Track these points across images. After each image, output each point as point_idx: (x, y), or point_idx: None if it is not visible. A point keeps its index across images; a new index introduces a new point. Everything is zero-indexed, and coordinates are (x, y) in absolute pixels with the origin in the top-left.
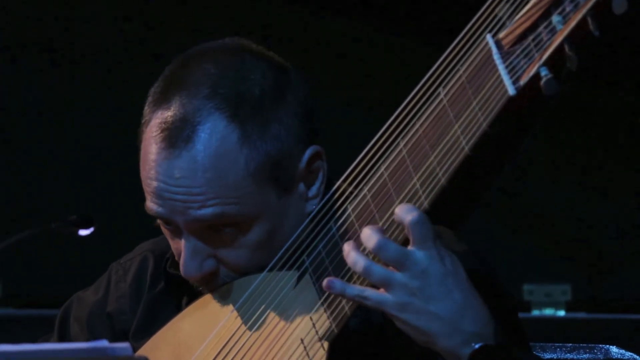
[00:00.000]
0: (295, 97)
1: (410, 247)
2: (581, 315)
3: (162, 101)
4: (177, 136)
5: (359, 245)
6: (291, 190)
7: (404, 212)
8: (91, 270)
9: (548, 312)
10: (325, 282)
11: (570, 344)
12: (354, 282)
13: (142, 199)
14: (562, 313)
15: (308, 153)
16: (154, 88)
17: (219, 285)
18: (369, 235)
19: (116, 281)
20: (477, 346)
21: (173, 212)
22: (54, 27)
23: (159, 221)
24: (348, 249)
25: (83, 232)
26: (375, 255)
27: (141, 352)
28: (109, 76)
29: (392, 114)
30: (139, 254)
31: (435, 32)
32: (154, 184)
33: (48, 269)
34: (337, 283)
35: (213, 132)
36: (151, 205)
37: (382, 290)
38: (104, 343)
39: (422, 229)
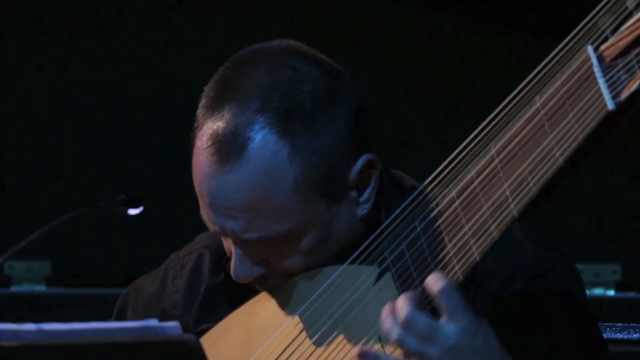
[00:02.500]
0: (346, 107)
1: (442, 320)
2: (631, 294)
3: (214, 109)
4: (227, 150)
5: (395, 313)
6: (342, 199)
7: (433, 282)
8: (140, 250)
9: (597, 291)
10: (358, 353)
11: (620, 324)
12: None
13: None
14: (611, 293)
15: (360, 163)
16: (207, 91)
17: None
18: (401, 307)
19: (173, 276)
20: None
21: (223, 228)
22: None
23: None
24: (385, 314)
25: (132, 212)
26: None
27: (213, 331)
28: (157, 58)
29: (479, 117)
30: (195, 250)
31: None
32: (206, 197)
33: (97, 249)
34: (370, 355)
35: (263, 148)
36: (207, 220)
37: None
38: (153, 322)
39: (451, 299)
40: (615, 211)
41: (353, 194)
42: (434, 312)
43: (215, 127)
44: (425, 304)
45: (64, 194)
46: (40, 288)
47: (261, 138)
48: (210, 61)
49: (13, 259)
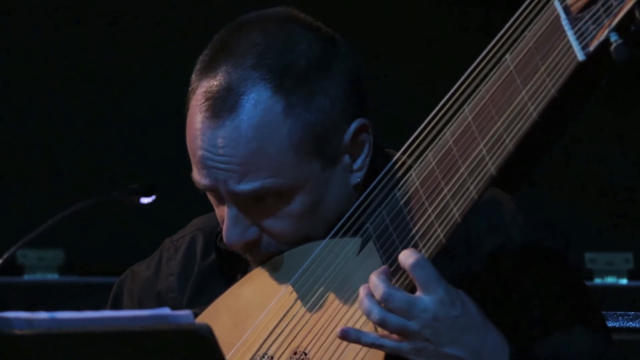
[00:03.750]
0: (341, 69)
1: (417, 293)
2: None
3: (208, 70)
4: (221, 106)
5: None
6: (335, 163)
7: (405, 257)
8: (152, 238)
9: (610, 280)
10: (339, 332)
11: (633, 312)
12: None
13: None
14: (624, 281)
15: (354, 126)
16: (202, 56)
17: (265, 254)
18: (376, 285)
19: (167, 259)
20: None
21: (216, 181)
22: None
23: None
24: (362, 294)
25: (144, 201)
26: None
27: (201, 318)
28: (167, 44)
29: (453, 83)
30: (189, 233)
31: None
32: (199, 152)
33: (110, 237)
34: (352, 331)
35: (257, 103)
36: (196, 176)
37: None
38: (165, 310)
39: (424, 271)
40: (628, 200)
41: (346, 159)
42: (413, 291)
43: (208, 85)
44: (402, 281)
45: (77, 183)
46: (53, 277)
47: (255, 93)
48: None
49: (26, 247)
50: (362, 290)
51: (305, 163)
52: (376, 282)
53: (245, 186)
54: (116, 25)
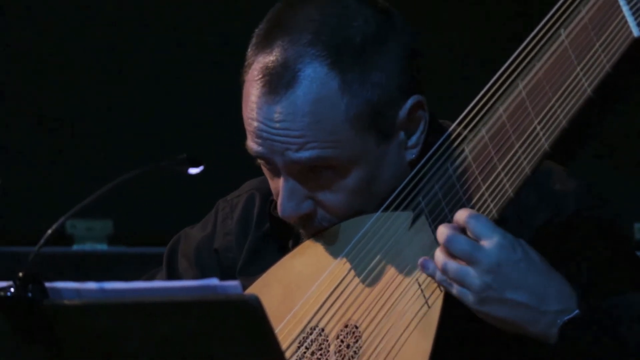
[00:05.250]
0: (398, 44)
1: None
2: None
3: (264, 45)
4: (277, 82)
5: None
6: (391, 138)
7: (459, 215)
8: (200, 209)
9: None
10: (420, 261)
11: None
12: None
13: None
14: None
15: (410, 102)
16: (258, 30)
17: (318, 228)
18: (441, 231)
19: (223, 218)
20: (562, 322)
21: (272, 152)
22: None
23: (259, 161)
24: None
25: (192, 171)
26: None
27: (252, 289)
28: (215, 19)
29: (505, 59)
30: (246, 192)
31: None
32: (254, 124)
33: (158, 208)
34: (430, 265)
35: (314, 79)
36: (251, 144)
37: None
38: (214, 281)
39: (480, 221)
40: None
41: (402, 135)
42: None
43: (265, 61)
44: None
45: (125, 153)
46: (102, 247)
47: (311, 70)
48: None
49: (75, 218)
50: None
51: (361, 138)
52: (442, 228)
53: (304, 153)
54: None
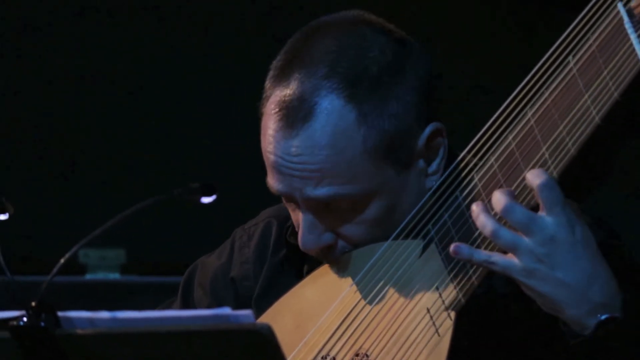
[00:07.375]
0: (414, 73)
1: (539, 213)
2: None
3: (281, 78)
4: (294, 116)
5: (488, 209)
6: (410, 167)
7: (534, 176)
8: (213, 238)
9: None
10: (452, 248)
11: None
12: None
13: (264, 167)
14: None
15: (428, 130)
16: (275, 62)
17: (339, 257)
18: (498, 198)
19: (240, 247)
20: (603, 317)
21: (292, 189)
22: None
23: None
24: (477, 210)
25: (205, 200)
26: (503, 219)
27: (264, 318)
28: (231, 45)
29: (515, 87)
30: (262, 220)
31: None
32: (272, 157)
33: (171, 237)
34: (465, 248)
35: (330, 112)
36: (272, 181)
37: (509, 255)
38: (226, 310)
39: (551, 193)
40: None
41: (421, 163)
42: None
43: (282, 94)
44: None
45: (138, 182)
46: (115, 276)
47: (328, 103)
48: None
49: (88, 247)
50: (476, 207)
51: (380, 169)
52: (499, 195)
53: (321, 190)
54: (172, 19)
